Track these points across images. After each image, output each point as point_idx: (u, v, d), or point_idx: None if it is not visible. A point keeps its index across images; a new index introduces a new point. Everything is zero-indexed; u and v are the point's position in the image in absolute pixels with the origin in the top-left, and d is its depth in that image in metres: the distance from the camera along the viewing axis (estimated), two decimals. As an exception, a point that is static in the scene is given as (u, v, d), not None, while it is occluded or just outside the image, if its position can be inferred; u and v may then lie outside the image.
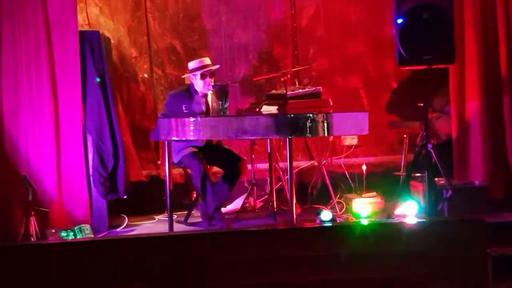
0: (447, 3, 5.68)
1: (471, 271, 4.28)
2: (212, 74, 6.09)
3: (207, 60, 6.14)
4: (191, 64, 6.13)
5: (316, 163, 7.01)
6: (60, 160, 5.79)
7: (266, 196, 6.64)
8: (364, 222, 5.77)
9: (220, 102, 6.15)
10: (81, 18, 6.70)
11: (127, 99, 7.09)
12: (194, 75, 6.09)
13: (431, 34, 5.61)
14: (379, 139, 7.29)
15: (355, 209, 6.22)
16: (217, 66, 6.18)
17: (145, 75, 7.25)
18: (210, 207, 5.96)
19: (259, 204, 6.73)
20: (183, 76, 6.41)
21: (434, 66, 5.71)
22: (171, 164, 5.82)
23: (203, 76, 6.04)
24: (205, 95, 6.10)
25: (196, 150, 6.09)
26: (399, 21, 5.66)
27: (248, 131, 5.21)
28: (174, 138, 5.55)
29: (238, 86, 7.19)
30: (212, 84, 6.05)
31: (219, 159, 6.23)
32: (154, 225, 6.33)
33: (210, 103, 6.12)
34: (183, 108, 6.01)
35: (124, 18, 7.18)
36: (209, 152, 6.15)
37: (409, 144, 6.73)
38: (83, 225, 5.68)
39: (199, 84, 6.07)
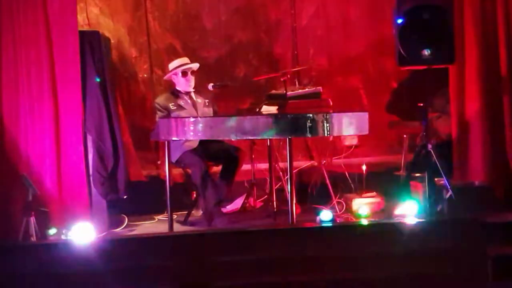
0: (447, 3, 5.69)
1: (471, 271, 4.29)
2: (192, 72, 6.23)
3: (186, 59, 6.33)
4: (171, 65, 6.32)
5: (316, 163, 7.01)
6: (60, 160, 5.78)
7: (266, 196, 6.63)
8: (364, 222, 5.76)
9: (206, 100, 6.32)
10: (81, 18, 6.70)
11: (127, 99, 7.09)
12: (175, 74, 6.25)
13: (431, 34, 5.61)
14: (379, 139, 7.28)
15: (355, 209, 6.21)
16: (196, 65, 6.30)
17: (145, 75, 7.25)
18: (210, 202, 5.94)
19: (259, 204, 6.73)
20: (164, 78, 6.50)
21: (434, 66, 5.72)
22: (171, 164, 5.82)
23: (184, 74, 6.21)
24: (189, 93, 6.25)
25: (195, 146, 6.10)
26: (399, 21, 5.67)
27: (248, 131, 5.22)
28: (174, 138, 5.56)
29: (238, 86, 7.19)
30: (193, 82, 6.22)
31: (216, 153, 6.22)
32: (154, 225, 6.32)
33: (194, 99, 6.28)
34: (170, 106, 6.14)
35: (124, 18, 7.18)
36: (205, 147, 6.16)
37: (409, 144, 6.72)
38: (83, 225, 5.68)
39: (181, 82, 6.25)
